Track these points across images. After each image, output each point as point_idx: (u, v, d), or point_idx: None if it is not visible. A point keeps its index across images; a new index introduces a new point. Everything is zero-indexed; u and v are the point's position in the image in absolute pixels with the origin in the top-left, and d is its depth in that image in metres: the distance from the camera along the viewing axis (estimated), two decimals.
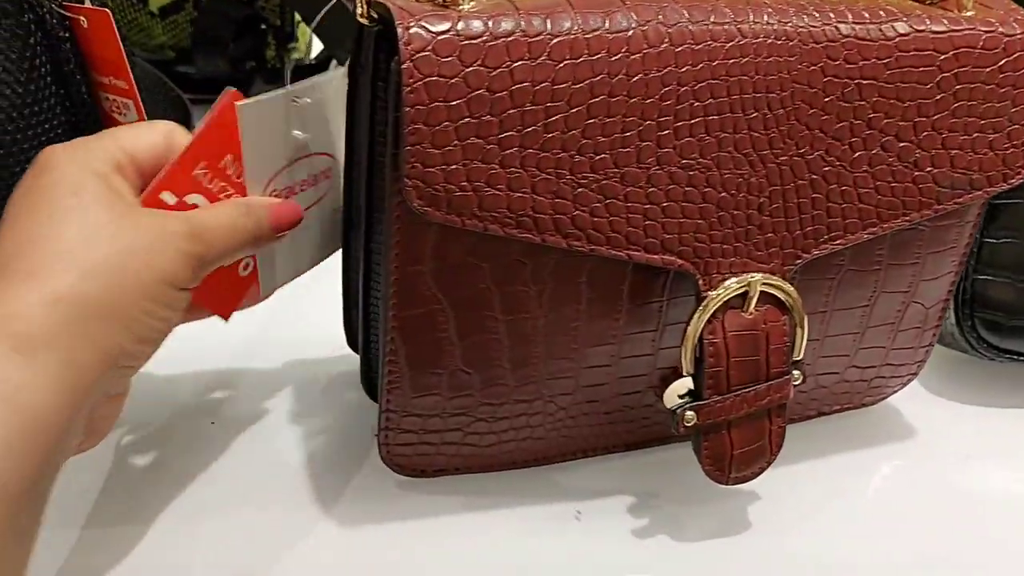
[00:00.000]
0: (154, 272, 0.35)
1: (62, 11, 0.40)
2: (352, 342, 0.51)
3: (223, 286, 0.41)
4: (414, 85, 0.34)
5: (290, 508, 0.44)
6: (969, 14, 0.43)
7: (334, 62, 0.70)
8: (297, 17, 0.72)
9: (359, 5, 0.37)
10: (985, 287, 0.54)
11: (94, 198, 0.35)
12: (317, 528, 0.43)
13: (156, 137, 0.38)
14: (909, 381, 0.53)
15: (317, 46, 0.79)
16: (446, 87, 0.34)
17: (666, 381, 0.44)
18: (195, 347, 0.43)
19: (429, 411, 0.43)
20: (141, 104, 0.41)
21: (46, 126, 0.40)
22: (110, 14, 0.39)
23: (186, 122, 0.60)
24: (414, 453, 0.44)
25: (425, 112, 0.34)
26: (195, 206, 0.38)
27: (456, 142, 0.35)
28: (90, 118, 0.42)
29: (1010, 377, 0.57)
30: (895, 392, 0.53)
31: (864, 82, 0.41)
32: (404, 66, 0.34)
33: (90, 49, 0.41)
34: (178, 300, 0.36)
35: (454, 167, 0.35)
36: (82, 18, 0.40)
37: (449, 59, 0.34)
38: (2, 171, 0.40)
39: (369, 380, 0.47)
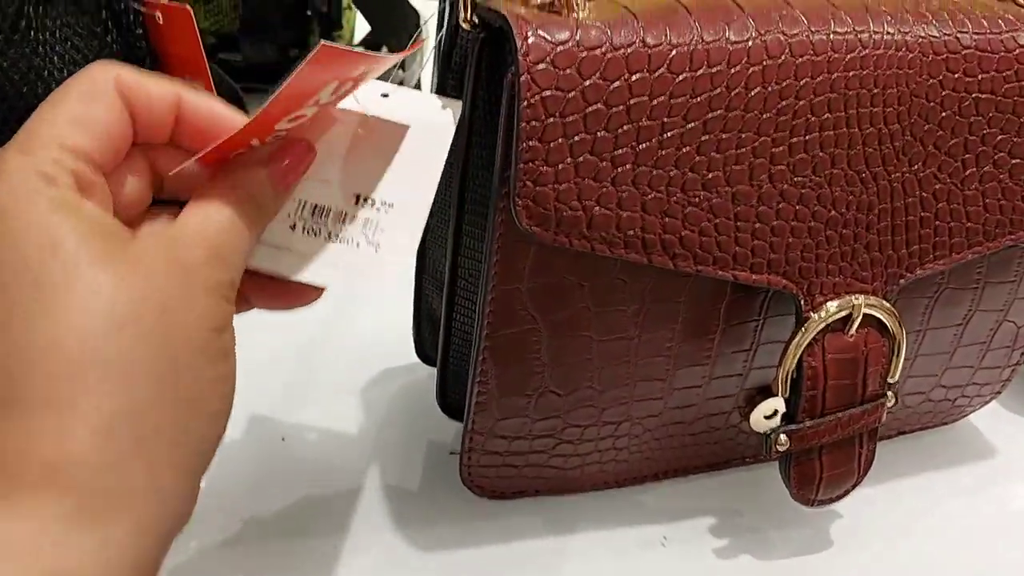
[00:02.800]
0: (192, 327, 0.27)
1: (139, 7, 0.38)
2: (421, 353, 0.49)
3: None
4: (531, 99, 0.32)
5: (367, 531, 0.42)
6: None
7: (384, 48, 0.67)
8: (345, 2, 0.70)
9: (462, 9, 0.35)
10: None
11: (79, 251, 0.26)
12: (396, 552, 0.41)
13: (107, 113, 0.29)
14: (991, 400, 0.51)
15: (360, 32, 0.77)
16: (563, 101, 0.32)
17: (752, 402, 0.42)
18: (257, 359, 0.41)
19: (515, 433, 0.41)
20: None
21: None
22: (190, 10, 0.37)
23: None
24: (496, 475, 0.42)
25: (541, 128, 0.32)
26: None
27: (570, 159, 0.33)
28: None
29: None
30: (976, 411, 0.52)
31: (982, 96, 0.39)
32: (522, 78, 0.32)
33: (165, 47, 0.39)
34: (229, 342, 0.29)
35: (566, 186, 0.33)
36: (158, 14, 0.38)
37: (568, 71, 0.32)
38: None
39: (445, 396, 0.45)
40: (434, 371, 0.45)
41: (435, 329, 0.47)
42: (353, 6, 0.72)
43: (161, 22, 0.38)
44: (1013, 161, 0.40)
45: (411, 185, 0.34)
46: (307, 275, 0.33)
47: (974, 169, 0.40)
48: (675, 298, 0.39)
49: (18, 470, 0.24)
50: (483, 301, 0.37)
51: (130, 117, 0.29)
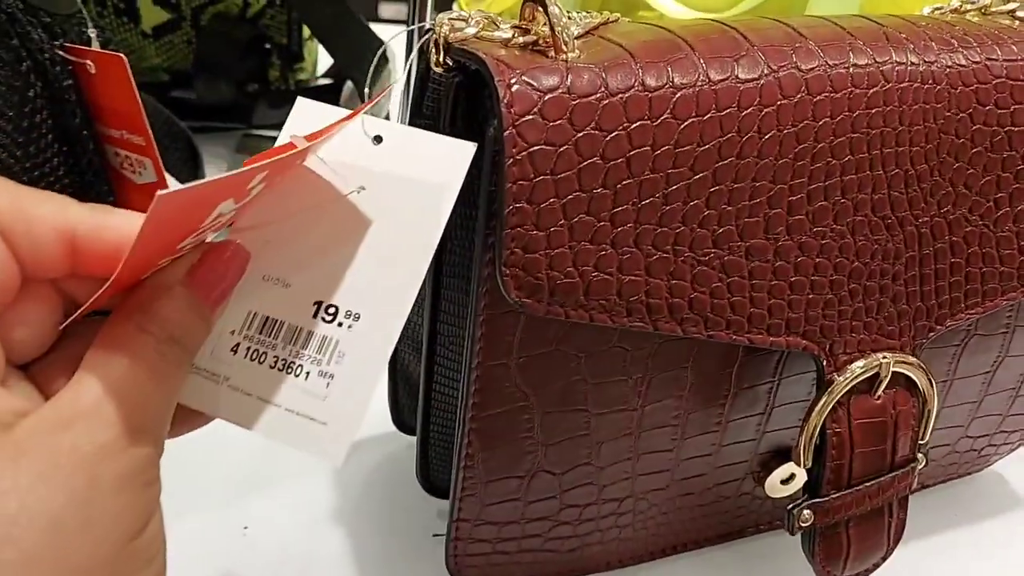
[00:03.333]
0: (99, 542, 0.21)
1: (65, 55, 0.33)
2: (398, 420, 0.44)
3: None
4: (517, 156, 0.28)
5: None
6: None
7: (348, 83, 0.63)
8: (305, 33, 0.65)
9: (434, 50, 0.31)
10: None
11: None
12: None
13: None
14: (1018, 447, 0.47)
15: (323, 64, 0.72)
16: (555, 157, 0.28)
17: (767, 466, 0.38)
18: (215, 438, 0.37)
19: (506, 518, 0.36)
20: (160, 162, 0.35)
21: (50, 190, 0.33)
22: (124, 60, 0.32)
23: (195, 163, 0.52)
24: (486, 563, 0.38)
25: (529, 188, 0.28)
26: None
27: (563, 221, 0.29)
28: (98, 179, 0.35)
29: None
30: (1001, 459, 0.48)
31: (1016, 130, 0.35)
32: (507, 133, 0.27)
33: (97, 99, 0.35)
34: (154, 539, 0.24)
35: (559, 251, 0.29)
36: (89, 63, 0.33)
37: (559, 122, 0.28)
38: None
39: (427, 473, 0.41)
40: (413, 440, 0.41)
41: (412, 394, 0.43)
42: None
43: (93, 72, 0.34)
44: None
45: (388, 284, 0.28)
46: (233, 417, 0.27)
47: (1008, 208, 0.36)
48: (682, 364, 0.34)
49: None
50: (467, 379, 0.32)
51: (10, 252, 0.23)
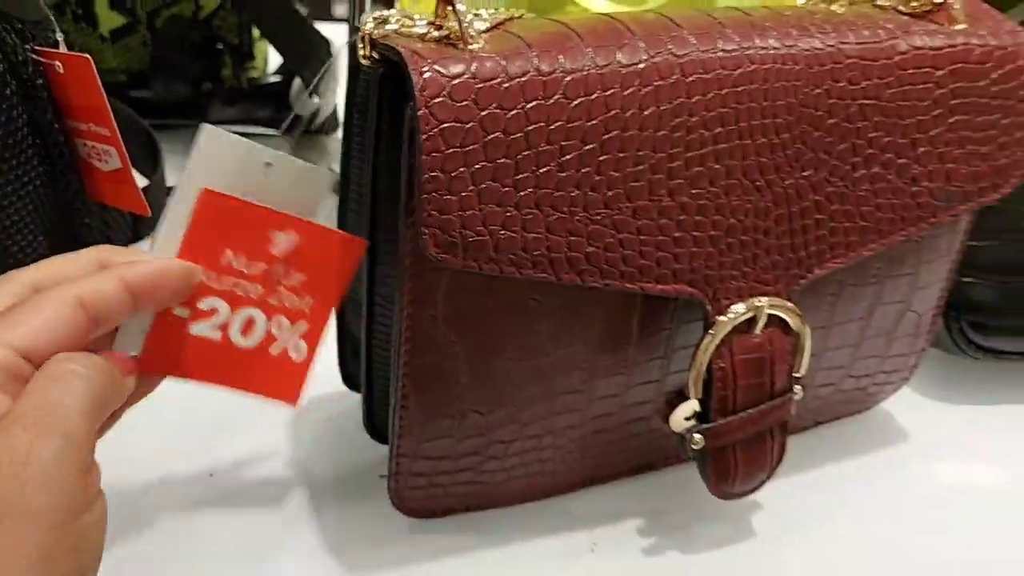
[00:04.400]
0: (32, 504, 0.28)
1: (36, 57, 0.38)
2: (347, 379, 0.49)
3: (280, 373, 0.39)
4: (430, 132, 0.33)
5: (300, 558, 0.43)
6: (961, 27, 0.43)
7: (297, 80, 0.67)
8: (255, 34, 0.70)
9: (361, 46, 0.36)
10: (970, 289, 0.54)
11: None
12: None
13: (56, 313, 0.31)
14: (901, 386, 0.53)
15: (274, 62, 0.77)
16: (463, 132, 0.33)
17: (672, 404, 0.43)
18: (183, 395, 0.41)
19: (440, 454, 0.42)
20: (124, 151, 0.39)
21: (24, 179, 0.38)
22: (90, 60, 0.37)
23: (155, 158, 0.57)
24: (425, 496, 0.43)
25: (442, 159, 0.33)
26: (214, 311, 0.37)
27: (472, 187, 0.34)
28: (69, 168, 0.40)
29: (994, 374, 0.58)
30: (888, 397, 0.54)
31: (867, 102, 0.40)
32: (420, 112, 0.33)
33: (66, 95, 0.39)
34: (84, 509, 0.30)
35: (470, 212, 0.34)
36: (57, 64, 0.38)
37: (465, 103, 0.33)
38: None
39: (372, 421, 0.46)
40: (360, 396, 0.46)
41: (357, 354, 0.48)
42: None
43: (61, 71, 0.39)
44: (899, 161, 0.42)
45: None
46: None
47: (864, 171, 0.41)
48: (588, 313, 0.40)
49: None
50: (399, 329, 0.38)
51: (88, 321, 0.32)
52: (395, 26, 0.36)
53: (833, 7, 0.44)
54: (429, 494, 0.43)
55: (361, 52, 0.36)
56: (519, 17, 0.38)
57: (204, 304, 0.37)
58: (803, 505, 0.48)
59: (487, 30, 0.36)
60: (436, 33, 0.35)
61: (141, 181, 0.57)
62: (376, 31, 0.36)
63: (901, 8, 0.44)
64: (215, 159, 0.36)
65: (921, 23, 0.43)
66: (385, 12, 0.36)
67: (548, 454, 0.44)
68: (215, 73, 0.68)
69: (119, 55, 0.67)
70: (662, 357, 0.43)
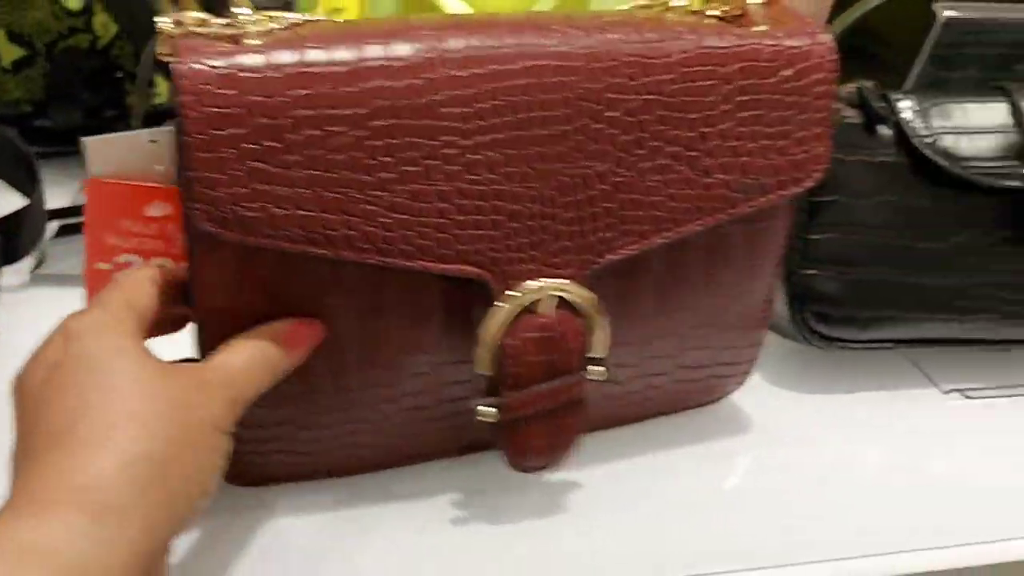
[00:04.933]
0: (205, 422, 0.37)
1: None
2: None
3: None
4: (193, 116, 0.37)
5: None
6: (761, 28, 0.46)
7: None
8: None
9: (159, 43, 0.40)
10: (812, 281, 0.56)
11: (133, 361, 0.37)
12: None
13: (151, 287, 0.41)
14: (745, 378, 0.55)
15: None
16: (225, 117, 0.37)
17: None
18: None
19: (255, 422, 0.45)
20: None
21: None
22: None
23: (32, 180, 0.62)
24: (242, 463, 0.46)
25: (207, 140, 0.37)
26: (128, 264, 0.45)
27: (239, 167, 0.37)
28: None
29: (840, 363, 0.60)
30: (735, 389, 0.56)
31: (649, 97, 0.43)
32: (183, 99, 0.36)
33: None
34: (225, 444, 0.38)
35: (242, 190, 0.38)
36: None
37: (228, 91, 0.37)
38: None
39: None
40: None
41: None
42: None
43: None
44: (690, 154, 0.45)
45: None
46: None
47: (652, 162, 0.44)
48: (383, 289, 0.43)
49: (53, 494, 0.32)
50: (196, 307, 0.41)
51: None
52: (191, 27, 0.40)
53: (653, 11, 0.48)
54: (246, 461, 0.46)
55: (158, 50, 0.40)
56: (314, 20, 0.42)
57: (121, 259, 0.45)
58: (622, 488, 0.50)
59: (275, 30, 0.40)
60: (216, 31, 0.39)
61: (20, 203, 0.63)
62: (173, 30, 0.40)
63: (714, 13, 0.47)
64: (100, 155, 0.44)
65: (719, 25, 0.46)
66: (183, 14, 0.40)
67: (364, 427, 0.47)
68: (119, 100, 0.73)
69: (21, 86, 0.72)
70: (465, 337, 0.45)
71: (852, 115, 0.56)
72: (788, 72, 0.45)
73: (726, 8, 0.47)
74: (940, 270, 0.57)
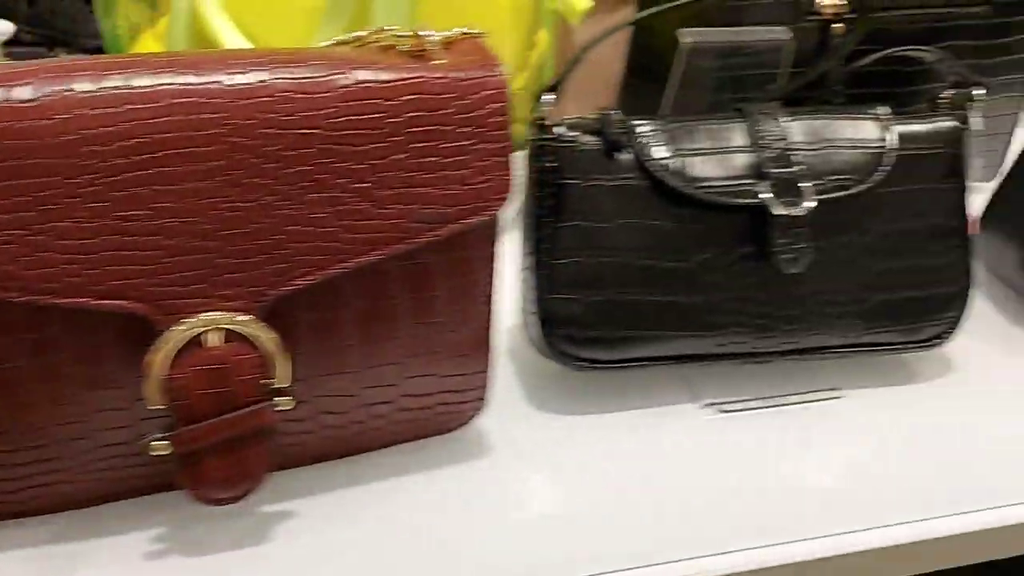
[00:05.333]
0: None
1: None
2: None
3: None
4: None
5: None
6: (439, 62, 0.47)
7: None
8: None
9: None
10: (559, 305, 0.57)
11: None
12: None
13: None
14: (481, 405, 0.55)
15: None
16: None
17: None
18: None
19: None
20: None
21: None
22: None
23: None
24: None
25: None
26: None
27: None
28: None
29: (610, 381, 0.61)
30: (474, 416, 0.56)
31: (308, 131, 0.44)
32: None
33: None
34: None
35: None
36: None
37: None
38: None
39: None
40: None
41: None
42: None
43: None
44: (361, 186, 0.45)
45: None
46: None
47: (319, 194, 0.45)
48: (48, 328, 0.43)
49: None
50: None
51: None
52: None
53: (350, 47, 0.49)
54: None
55: None
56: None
57: None
58: (343, 513, 0.51)
59: None
60: None
61: None
62: None
63: (404, 49, 0.48)
64: None
65: (399, 61, 0.47)
66: None
67: (62, 464, 0.47)
68: None
69: None
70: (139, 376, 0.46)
71: (590, 141, 0.57)
72: (461, 103, 0.46)
73: (412, 45, 0.48)
74: (686, 288, 0.58)
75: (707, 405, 0.60)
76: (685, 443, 0.57)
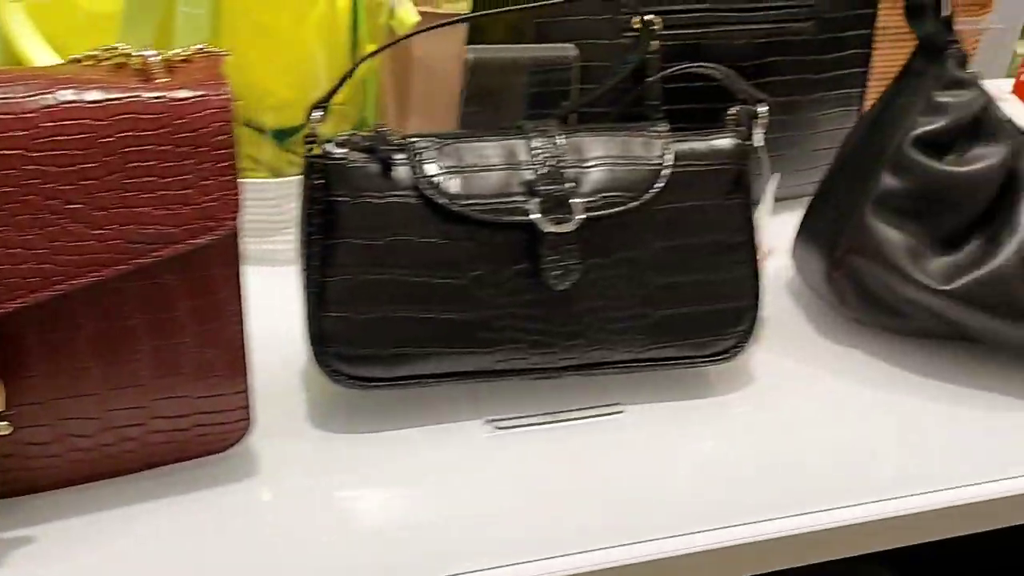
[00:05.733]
0: None
1: None
2: None
3: None
4: None
5: None
6: (161, 81, 0.47)
7: None
8: None
9: None
10: (328, 323, 0.57)
11: None
12: None
13: None
14: (246, 425, 0.55)
15: None
16: None
17: None
18: None
19: None
20: None
21: None
22: None
23: None
24: None
25: None
26: None
27: None
28: None
29: (393, 401, 0.61)
30: (242, 436, 0.55)
31: (9, 152, 0.43)
32: None
33: None
34: None
35: None
36: None
37: None
38: None
39: None
40: None
41: None
42: None
43: None
44: (72, 207, 0.45)
45: None
46: None
47: (28, 215, 0.44)
48: None
49: None
50: None
51: None
52: None
53: (73, 66, 0.48)
54: None
55: None
56: None
57: None
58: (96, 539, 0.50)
59: None
60: None
61: None
62: None
63: (136, 66, 0.48)
64: None
65: (118, 79, 0.46)
66: None
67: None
68: None
69: None
70: None
71: (362, 158, 0.57)
72: (179, 123, 0.46)
73: (140, 64, 0.48)
74: (460, 305, 0.57)
75: (488, 422, 0.59)
76: (463, 461, 0.57)
